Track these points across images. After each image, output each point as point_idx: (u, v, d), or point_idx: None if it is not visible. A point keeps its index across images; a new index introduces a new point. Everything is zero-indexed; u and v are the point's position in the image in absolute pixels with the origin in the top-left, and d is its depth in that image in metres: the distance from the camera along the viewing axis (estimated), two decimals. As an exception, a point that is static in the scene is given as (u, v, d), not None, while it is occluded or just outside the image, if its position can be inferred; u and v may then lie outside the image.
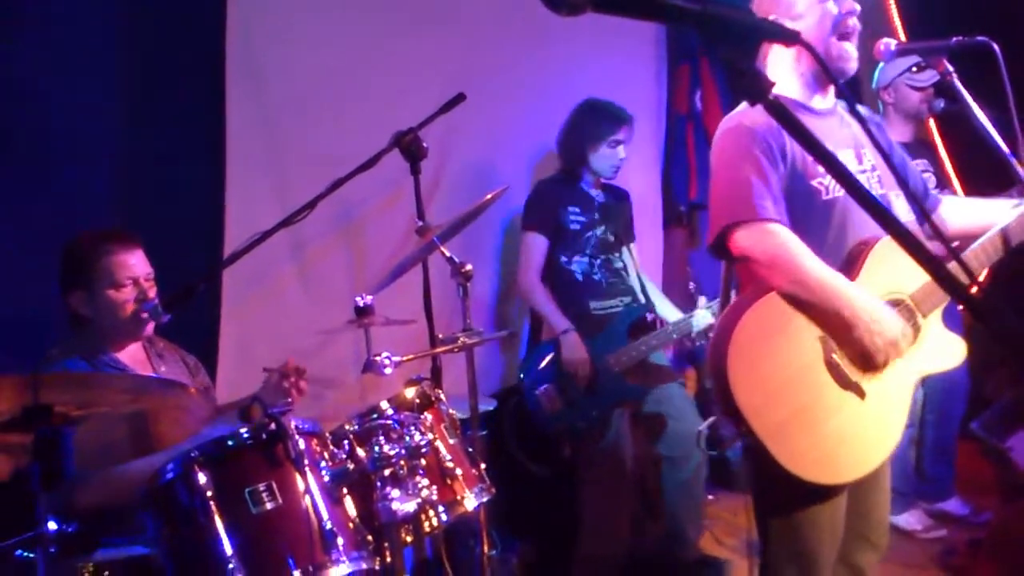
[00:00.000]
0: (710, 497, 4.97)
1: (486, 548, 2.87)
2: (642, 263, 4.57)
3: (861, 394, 2.68)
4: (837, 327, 2.60)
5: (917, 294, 2.76)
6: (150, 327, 2.80)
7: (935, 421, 4.84)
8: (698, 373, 5.11)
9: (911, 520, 4.63)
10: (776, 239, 2.58)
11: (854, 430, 2.69)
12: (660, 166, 5.28)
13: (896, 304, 2.72)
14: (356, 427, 2.52)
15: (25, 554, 2.27)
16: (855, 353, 2.64)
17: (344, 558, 2.23)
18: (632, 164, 5.12)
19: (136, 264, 2.84)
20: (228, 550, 2.17)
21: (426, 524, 2.46)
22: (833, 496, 2.82)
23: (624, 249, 4.32)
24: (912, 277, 2.75)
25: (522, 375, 4.14)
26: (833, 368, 2.66)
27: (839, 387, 2.66)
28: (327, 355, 3.23)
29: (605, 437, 4.07)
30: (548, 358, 4.07)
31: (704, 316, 3.98)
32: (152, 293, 2.83)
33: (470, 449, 2.69)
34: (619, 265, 4.29)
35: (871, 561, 3.08)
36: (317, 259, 3.68)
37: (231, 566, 2.16)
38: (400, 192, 3.61)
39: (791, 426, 2.61)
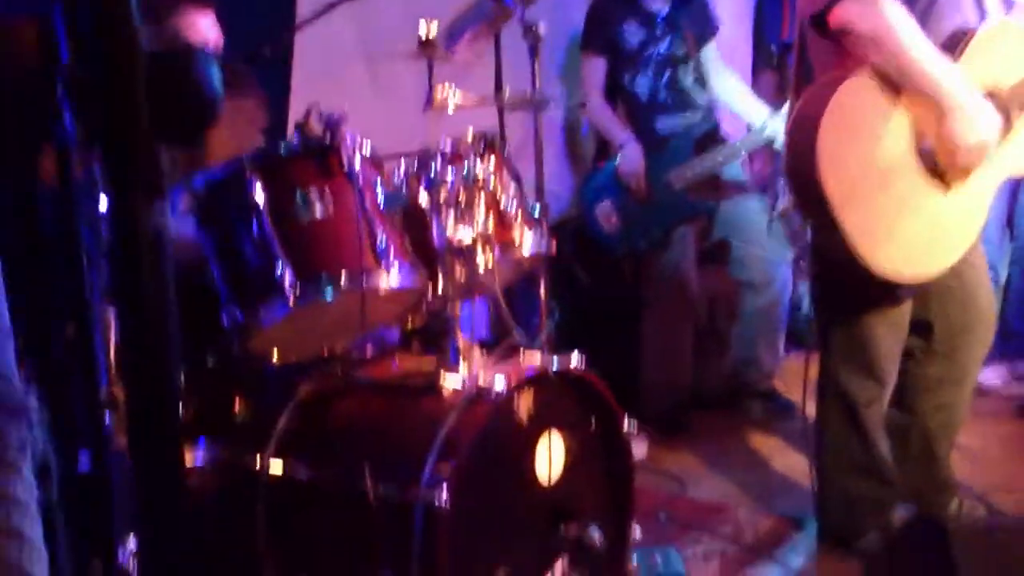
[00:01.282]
0: (782, 354, 4.87)
1: (545, 316, 2.81)
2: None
3: (945, 188, 2.56)
4: (931, 114, 2.48)
5: (1016, 87, 2.61)
6: None
7: (1022, 273, 4.64)
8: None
9: (990, 375, 4.44)
10: (884, 11, 2.43)
11: (932, 225, 2.59)
12: (752, 5, 5.05)
13: (991, 97, 2.57)
14: (415, 161, 2.45)
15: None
16: (943, 145, 2.51)
17: (395, 268, 2.19)
18: (722, 4, 4.93)
19: (206, 27, 2.79)
20: (277, 250, 2.14)
21: (480, 261, 2.39)
22: (896, 302, 2.75)
23: (693, 63, 4.11)
24: (1011, 70, 2.62)
25: (582, 194, 4.07)
26: (924, 157, 2.54)
27: (926, 178, 2.55)
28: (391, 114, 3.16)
29: (666, 257, 3.97)
30: (607, 175, 3.98)
31: (775, 128, 3.81)
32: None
33: (534, 207, 2.60)
34: (688, 81, 4.10)
35: (978, 357, 2.95)
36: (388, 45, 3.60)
37: (279, 268, 2.14)
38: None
39: (875, 216, 2.50)
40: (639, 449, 3.79)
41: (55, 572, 1.32)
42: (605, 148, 4.17)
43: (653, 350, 4.08)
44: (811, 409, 3.22)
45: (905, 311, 2.81)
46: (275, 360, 2.38)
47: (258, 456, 2.30)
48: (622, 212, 3.91)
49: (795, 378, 4.66)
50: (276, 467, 2.30)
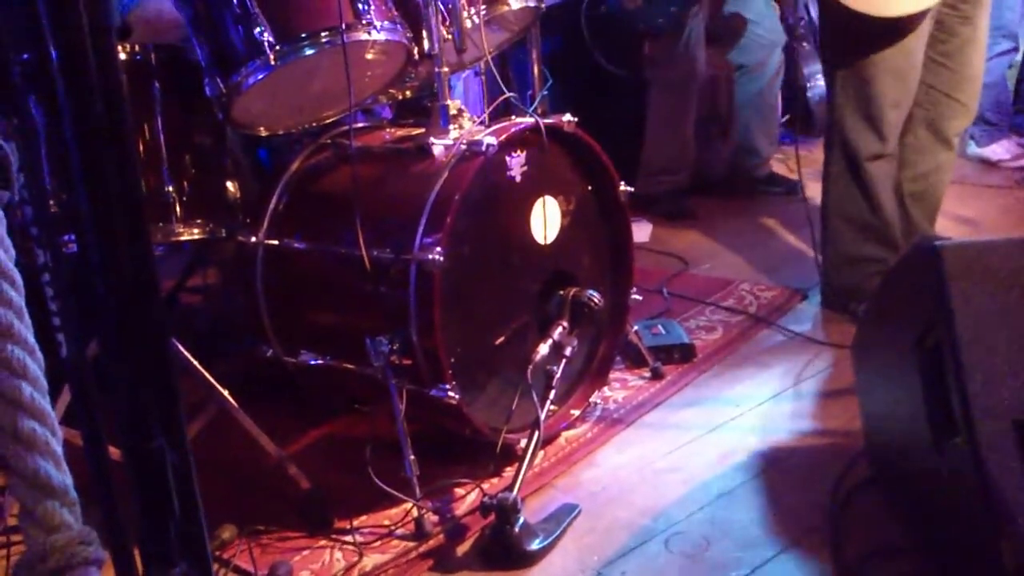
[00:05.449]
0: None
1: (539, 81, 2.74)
2: None
3: None
4: None
5: None
6: None
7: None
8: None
9: (999, 150, 4.39)
10: None
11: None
12: None
13: None
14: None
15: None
16: None
17: (376, 24, 2.11)
18: None
19: None
20: (256, 14, 2.06)
21: (466, 19, 2.31)
22: (901, 38, 2.68)
23: None
24: None
25: None
26: None
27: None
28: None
29: (680, 38, 3.87)
30: None
31: None
32: None
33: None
34: None
35: (960, 127, 2.95)
36: None
37: (259, 30, 2.07)
38: None
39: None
40: (643, 232, 3.79)
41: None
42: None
43: (656, 130, 4.03)
44: (811, 191, 3.21)
45: (913, 64, 2.75)
46: (262, 132, 2.33)
47: (252, 235, 2.29)
48: None
49: (800, 162, 4.64)
50: (272, 242, 2.30)
